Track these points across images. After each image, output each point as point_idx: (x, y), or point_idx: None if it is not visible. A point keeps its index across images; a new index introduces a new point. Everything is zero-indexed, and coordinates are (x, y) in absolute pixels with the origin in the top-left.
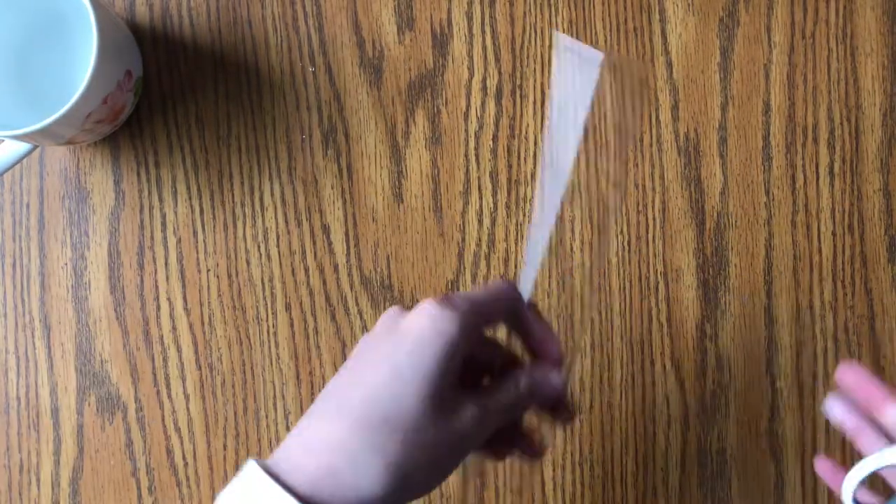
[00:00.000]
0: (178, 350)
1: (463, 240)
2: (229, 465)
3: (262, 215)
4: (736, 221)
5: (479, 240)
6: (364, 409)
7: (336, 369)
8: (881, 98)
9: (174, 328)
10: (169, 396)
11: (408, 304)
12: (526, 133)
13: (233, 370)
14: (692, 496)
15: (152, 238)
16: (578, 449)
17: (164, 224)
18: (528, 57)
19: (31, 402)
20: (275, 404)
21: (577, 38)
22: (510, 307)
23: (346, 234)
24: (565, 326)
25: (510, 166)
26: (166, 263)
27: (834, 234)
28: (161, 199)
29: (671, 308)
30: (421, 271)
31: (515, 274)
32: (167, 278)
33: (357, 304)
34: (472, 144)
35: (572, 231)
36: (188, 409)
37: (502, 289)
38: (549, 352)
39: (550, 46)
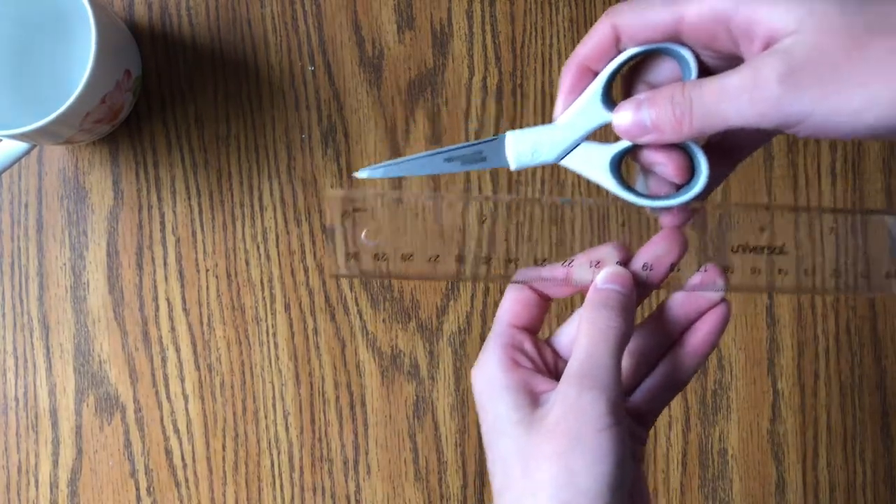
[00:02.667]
0: (177, 350)
1: (463, 240)
2: (228, 465)
3: (262, 215)
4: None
5: (479, 239)
6: None
7: (335, 369)
8: None
9: (173, 328)
10: (168, 397)
11: (407, 305)
12: None
13: (232, 370)
14: (693, 497)
15: (151, 238)
16: None
17: (162, 224)
18: (528, 56)
19: (30, 402)
20: (274, 405)
21: (578, 36)
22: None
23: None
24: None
25: None
26: (165, 263)
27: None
28: (160, 199)
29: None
30: None
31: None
32: (166, 278)
33: (357, 305)
34: None
35: None
36: (187, 409)
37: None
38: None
39: (551, 45)
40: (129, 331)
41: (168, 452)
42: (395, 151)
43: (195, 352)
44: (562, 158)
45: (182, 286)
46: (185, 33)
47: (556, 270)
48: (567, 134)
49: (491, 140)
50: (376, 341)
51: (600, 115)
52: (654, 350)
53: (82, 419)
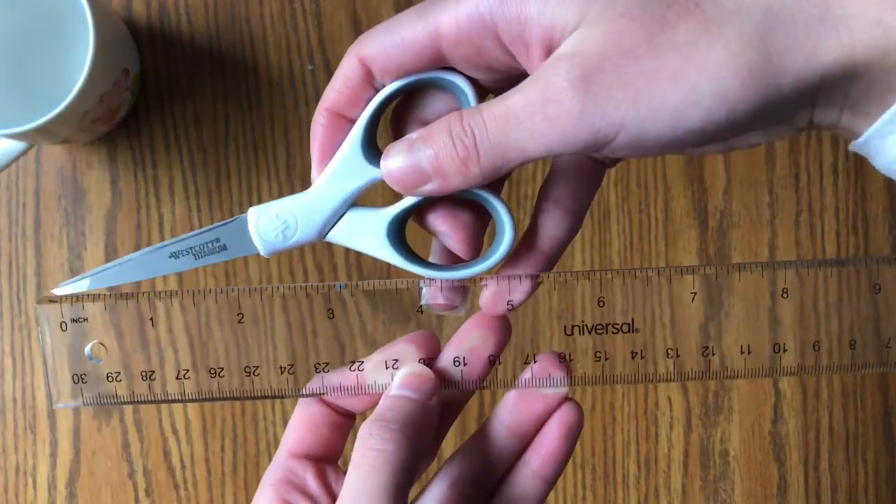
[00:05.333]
0: (175, 352)
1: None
2: (227, 467)
3: None
4: (739, 221)
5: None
6: None
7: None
8: None
9: (171, 329)
10: None
11: (406, 306)
12: None
13: None
14: (695, 498)
15: (149, 238)
16: (580, 451)
17: (161, 224)
18: None
19: (28, 403)
20: (273, 406)
21: None
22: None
23: None
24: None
25: None
26: None
27: (838, 233)
28: (158, 199)
29: (673, 308)
30: None
31: None
32: (164, 279)
33: (356, 305)
34: None
35: None
36: (185, 410)
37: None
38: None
39: None
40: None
41: (167, 454)
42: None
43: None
44: (326, 234)
45: (180, 286)
46: (183, 32)
47: (344, 377)
48: (326, 202)
49: (228, 223)
50: (376, 342)
51: (366, 172)
52: (486, 476)
53: (80, 420)
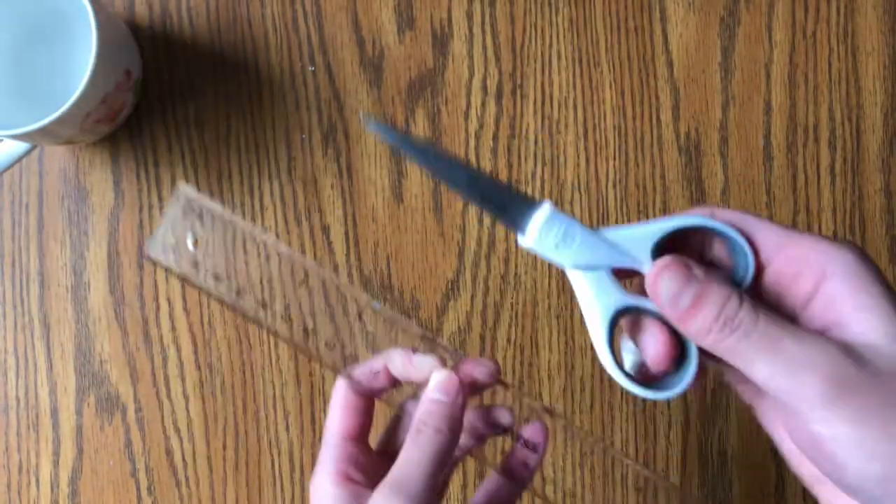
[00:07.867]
0: (178, 350)
1: (463, 239)
2: (229, 465)
3: (262, 215)
4: None
5: (480, 239)
6: None
7: (336, 370)
8: (882, 97)
9: (173, 328)
10: (168, 397)
11: (407, 305)
12: (526, 133)
13: (232, 370)
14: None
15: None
16: (579, 449)
17: None
18: (528, 56)
19: (31, 402)
20: (274, 405)
21: (578, 37)
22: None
23: (346, 234)
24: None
25: (510, 166)
26: None
27: (835, 234)
28: (160, 199)
29: None
30: (421, 271)
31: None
32: (167, 278)
33: (356, 305)
34: (472, 144)
35: None
36: (188, 409)
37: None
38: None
39: (551, 46)
40: (130, 330)
41: (169, 452)
42: (396, 151)
43: (196, 351)
44: (574, 269)
45: (182, 286)
46: (185, 34)
47: (395, 357)
48: (598, 253)
49: (529, 199)
50: (376, 341)
51: (645, 262)
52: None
53: (83, 419)
